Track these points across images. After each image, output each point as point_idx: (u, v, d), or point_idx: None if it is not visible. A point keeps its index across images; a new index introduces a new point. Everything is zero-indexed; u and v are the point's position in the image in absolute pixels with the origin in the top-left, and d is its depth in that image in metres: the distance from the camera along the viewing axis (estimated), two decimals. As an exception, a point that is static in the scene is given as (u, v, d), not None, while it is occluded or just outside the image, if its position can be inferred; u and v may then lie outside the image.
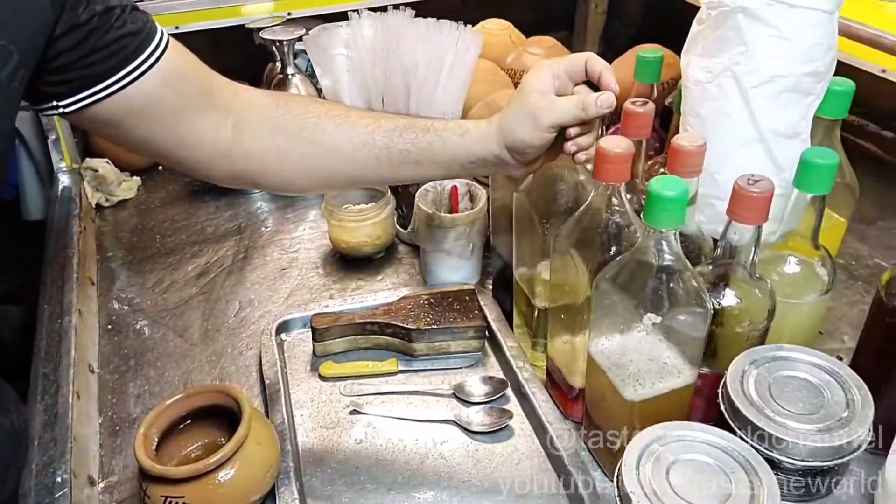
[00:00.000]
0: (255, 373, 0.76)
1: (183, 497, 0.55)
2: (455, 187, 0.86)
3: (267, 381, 0.71)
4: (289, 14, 1.10)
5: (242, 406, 0.58)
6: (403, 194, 0.93)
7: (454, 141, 0.59)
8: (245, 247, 0.96)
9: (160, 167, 1.17)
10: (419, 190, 0.85)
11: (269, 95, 0.64)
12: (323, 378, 0.75)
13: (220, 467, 0.55)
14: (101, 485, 0.64)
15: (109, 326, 0.82)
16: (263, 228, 1.00)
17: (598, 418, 0.63)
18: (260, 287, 0.88)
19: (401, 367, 0.75)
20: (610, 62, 0.56)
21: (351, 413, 0.71)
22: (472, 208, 0.85)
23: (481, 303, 0.79)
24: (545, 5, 1.39)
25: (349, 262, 0.92)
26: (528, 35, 1.12)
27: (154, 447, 0.58)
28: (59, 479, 0.59)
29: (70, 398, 0.67)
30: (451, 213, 0.85)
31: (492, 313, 0.79)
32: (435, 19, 0.84)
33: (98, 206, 1.03)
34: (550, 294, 0.66)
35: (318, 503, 0.62)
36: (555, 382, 0.70)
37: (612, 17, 1.37)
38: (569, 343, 0.66)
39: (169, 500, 0.55)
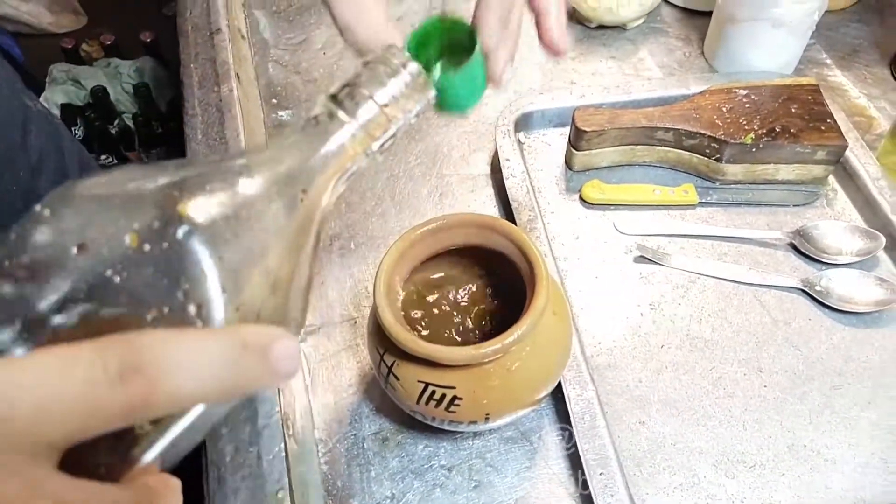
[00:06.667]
0: (486, 187, 0.53)
1: (454, 389, 0.36)
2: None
3: (514, 205, 0.49)
4: None
5: (532, 259, 0.37)
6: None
7: None
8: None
9: None
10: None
11: None
12: (587, 203, 0.52)
13: (510, 351, 0.36)
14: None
15: (275, 101, 0.60)
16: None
17: None
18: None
19: (701, 199, 0.51)
20: None
21: (637, 261, 0.49)
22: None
23: (829, 108, 0.51)
24: None
25: (588, 31, 0.64)
26: None
27: (399, 303, 0.39)
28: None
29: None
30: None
31: (843, 124, 0.51)
32: None
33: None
34: None
35: (616, 397, 0.43)
36: (965, 247, 0.45)
37: None
38: None
39: (430, 388, 0.36)
